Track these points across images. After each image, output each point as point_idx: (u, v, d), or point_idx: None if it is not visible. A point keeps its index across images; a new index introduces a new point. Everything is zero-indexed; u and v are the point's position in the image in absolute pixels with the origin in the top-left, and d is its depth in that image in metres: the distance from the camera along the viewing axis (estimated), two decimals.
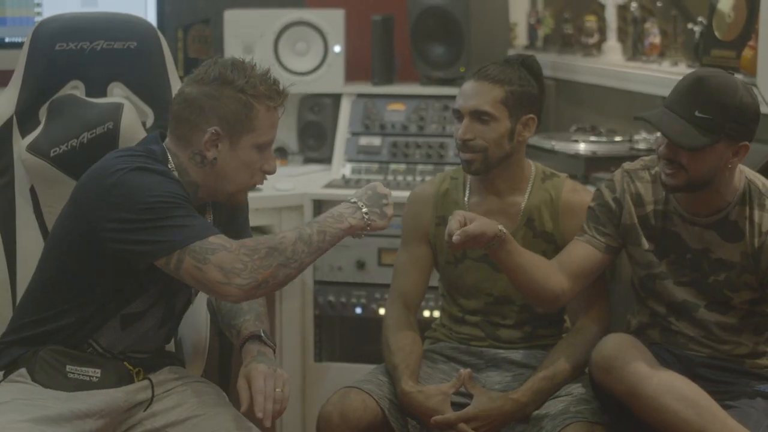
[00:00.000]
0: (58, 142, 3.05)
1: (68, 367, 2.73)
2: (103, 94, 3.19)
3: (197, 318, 3.22)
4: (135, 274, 2.68)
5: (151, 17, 4.44)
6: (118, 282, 2.73)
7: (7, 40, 4.27)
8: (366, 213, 2.81)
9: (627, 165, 3.15)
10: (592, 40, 4.59)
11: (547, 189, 3.26)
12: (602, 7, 4.53)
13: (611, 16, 4.48)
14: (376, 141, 4.46)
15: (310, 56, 4.63)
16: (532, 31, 5.00)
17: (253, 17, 4.62)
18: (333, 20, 4.61)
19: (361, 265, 4.14)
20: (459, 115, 3.21)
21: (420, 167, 4.37)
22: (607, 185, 3.14)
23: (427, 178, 4.14)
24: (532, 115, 3.21)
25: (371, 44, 4.65)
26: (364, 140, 4.48)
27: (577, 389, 3.09)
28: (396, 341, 3.23)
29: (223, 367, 3.29)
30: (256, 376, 2.78)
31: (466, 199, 3.29)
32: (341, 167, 4.44)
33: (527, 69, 3.23)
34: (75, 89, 3.17)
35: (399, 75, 4.76)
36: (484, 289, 3.28)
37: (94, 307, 2.75)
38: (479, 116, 3.16)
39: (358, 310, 4.18)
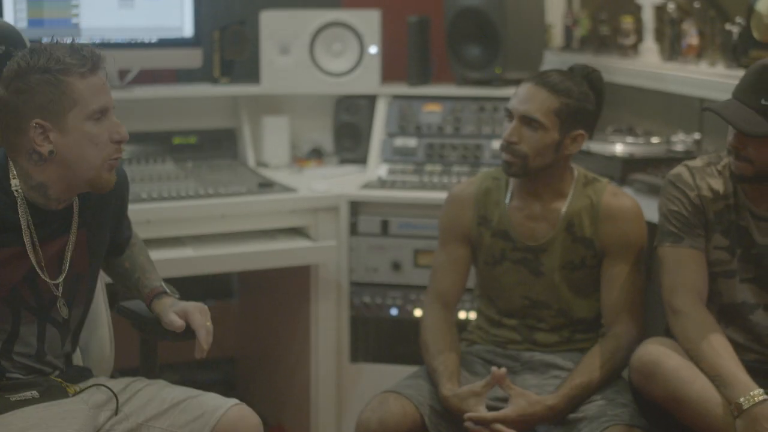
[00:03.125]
0: None
1: (6, 395, 2.68)
2: None
3: (99, 326, 3.12)
4: None
5: (188, 19, 4.47)
6: None
7: (45, 41, 4.27)
8: None
9: (689, 163, 3.10)
10: (629, 41, 4.57)
11: (588, 194, 3.24)
12: (639, 7, 4.51)
13: (648, 17, 4.46)
14: (412, 142, 4.46)
15: (345, 57, 4.62)
16: (568, 32, 4.97)
17: (289, 18, 4.62)
18: (369, 21, 4.60)
19: (396, 266, 4.14)
20: (510, 115, 3.19)
21: (456, 168, 4.36)
22: (681, 185, 3.06)
23: (463, 179, 4.12)
24: (582, 131, 3.19)
25: (407, 45, 4.64)
26: (399, 141, 4.47)
27: (613, 392, 3.09)
28: (435, 344, 3.23)
29: (148, 359, 3.26)
30: (193, 312, 2.84)
31: (507, 201, 3.28)
32: (377, 168, 4.44)
33: (590, 83, 3.20)
34: None
35: (435, 76, 4.75)
36: (521, 292, 3.28)
37: None
38: (529, 122, 3.14)
39: (394, 312, 4.18)
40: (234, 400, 2.83)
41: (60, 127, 2.58)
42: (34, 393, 2.72)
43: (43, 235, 2.70)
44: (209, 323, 2.85)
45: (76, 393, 2.79)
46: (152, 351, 3.13)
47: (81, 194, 2.75)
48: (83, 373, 2.91)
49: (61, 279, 2.75)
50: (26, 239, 2.67)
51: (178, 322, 2.83)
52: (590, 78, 3.22)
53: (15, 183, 2.64)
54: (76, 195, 2.73)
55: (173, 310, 2.86)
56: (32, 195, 2.66)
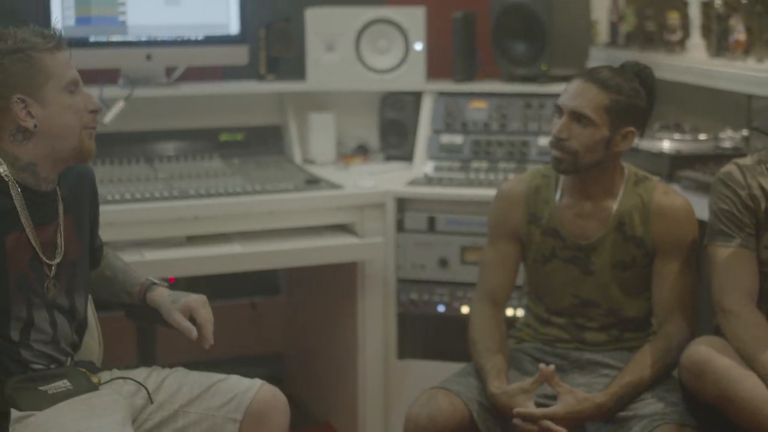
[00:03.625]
0: None
1: (41, 388, 2.72)
2: None
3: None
4: None
5: (234, 16, 4.49)
6: None
7: (92, 39, 4.32)
8: None
9: (739, 161, 3.08)
10: (675, 37, 4.54)
11: (638, 193, 3.23)
12: (685, 3, 4.48)
13: (695, 13, 4.43)
14: (458, 139, 4.46)
15: (391, 54, 4.63)
16: (613, 28, 4.96)
17: (335, 15, 4.63)
18: (414, 18, 4.61)
19: (443, 263, 4.14)
20: (559, 111, 3.18)
21: (502, 165, 4.35)
22: (732, 183, 3.04)
23: (510, 176, 4.12)
24: (633, 129, 3.17)
25: (453, 42, 4.64)
26: (445, 138, 4.47)
27: (663, 391, 3.08)
28: (483, 342, 3.23)
29: (145, 347, 3.27)
30: (197, 307, 2.93)
31: (557, 199, 3.28)
32: (423, 165, 4.44)
33: (641, 81, 3.19)
34: None
35: (480, 73, 4.74)
36: (570, 290, 3.27)
37: None
38: (578, 118, 3.13)
39: (441, 308, 4.18)
40: (259, 380, 2.93)
41: (40, 99, 2.69)
42: (66, 383, 2.76)
43: (37, 219, 2.77)
44: (211, 314, 2.94)
45: (99, 383, 2.84)
46: (150, 339, 3.16)
47: (60, 178, 2.83)
48: (92, 366, 2.95)
49: (56, 261, 2.80)
50: (24, 222, 2.73)
51: (190, 330, 2.89)
52: (641, 75, 3.21)
53: (2, 168, 2.71)
54: (62, 169, 2.81)
55: (177, 308, 2.93)
56: (22, 176, 2.73)
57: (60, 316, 2.83)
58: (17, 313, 2.73)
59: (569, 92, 3.17)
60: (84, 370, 2.84)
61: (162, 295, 2.99)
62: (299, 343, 4.88)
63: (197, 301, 2.95)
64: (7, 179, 2.70)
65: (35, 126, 2.69)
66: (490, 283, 3.34)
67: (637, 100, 3.16)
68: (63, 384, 2.75)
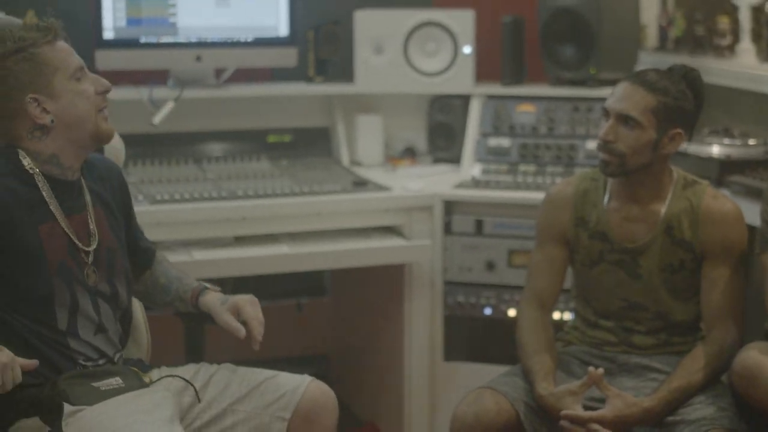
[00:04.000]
0: None
1: (94, 384, 2.72)
2: None
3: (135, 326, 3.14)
4: (18, 288, 2.69)
5: (283, 18, 4.51)
6: (21, 302, 2.71)
7: (142, 40, 4.36)
8: None
9: None
10: (725, 42, 4.52)
11: (687, 197, 3.22)
12: (735, 7, 4.46)
13: (745, 17, 4.41)
14: (506, 142, 4.46)
15: (439, 57, 4.64)
16: (662, 32, 4.94)
17: (383, 18, 4.64)
18: (463, 21, 4.61)
19: (490, 266, 4.14)
20: (606, 114, 3.18)
21: (550, 169, 4.35)
22: None
23: (557, 179, 4.12)
24: (680, 131, 3.16)
25: (501, 45, 4.64)
26: (493, 141, 4.47)
27: (712, 396, 3.06)
28: (531, 344, 3.23)
29: (194, 345, 3.28)
30: (244, 306, 2.94)
31: (605, 202, 3.27)
32: (471, 168, 4.44)
33: (688, 83, 3.18)
34: None
35: (528, 76, 4.74)
36: (619, 293, 3.26)
37: (37, 336, 2.72)
38: (625, 120, 3.13)
39: (487, 311, 4.18)
40: (308, 377, 2.93)
41: (51, 94, 2.72)
42: (118, 380, 2.77)
43: (67, 209, 2.79)
44: (260, 314, 2.95)
45: (151, 382, 2.85)
46: (198, 339, 3.18)
47: (86, 174, 2.86)
48: (142, 365, 2.96)
49: (93, 247, 2.82)
50: (55, 211, 2.76)
51: (239, 329, 2.91)
52: (688, 77, 3.20)
53: (27, 162, 2.74)
54: (85, 156, 2.83)
55: (226, 308, 2.95)
56: (46, 168, 2.76)
57: (104, 304, 2.85)
58: (61, 300, 2.75)
59: (616, 95, 3.17)
60: (135, 369, 2.86)
61: (213, 298, 3.01)
62: (344, 344, 4.90)
63: (245, 299, 2.96)
64: (32, 171, 2.74)
65: (52, 121, 2.72)
66: (538, 286, 3.34)
67: (684, 102, 3.16)
68: (115, 381, 2.76)
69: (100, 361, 2.82)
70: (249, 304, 2.95)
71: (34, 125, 2.72)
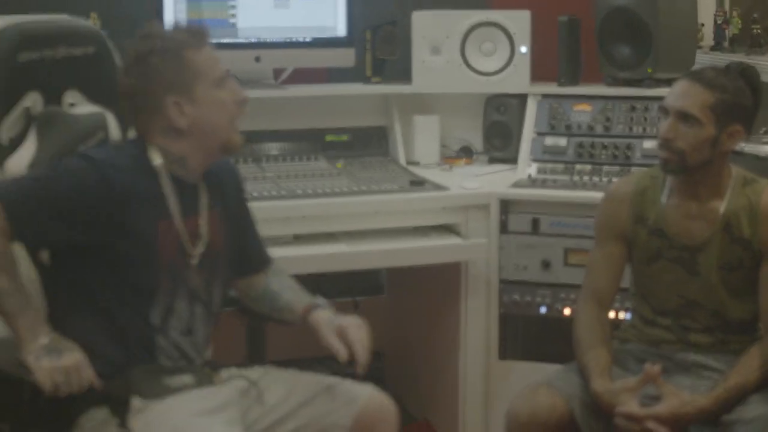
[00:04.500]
0: (60, 158, 2.87)
1: (164, 380, 2.77)
2: (58, 103, 3.03)
3: None
4: (124, 277, 2.74)
5: (341, 19, 4.55)
6: (123, 291, 2.76)
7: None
8: (38, 350, 2.57)
9: None
10: None
11: (747, 194, 3.22)
12: None
13: None
14: (562, 141, 4.47)
15: (496, 56, 4.65)
16: (719, 31, 4.94)
17: (440, 18, 4.67)
18: (519, 21, 4.63)
19: (546, 264, 4.16)
20: (665, 112, 3.19)
21: (606, 168, 4.35)
22: None
23: (614, 179, 4.13)
24: (739, 127, 3.16)
25: (558, 45, 4.65)
26: (549, 140, 4.48)
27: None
28: (587, 340, 3.24)
29: (255, 344, 3.30)
30: (350, 327, 2.91)
31: (664, 199, 3.28)
32: (527, 167, 4.45)
33: (746, 79, 3.18)
34: (32, 102, 2.96)
35: (584, 76, 4.74)
36: (676, 290, 3.27)
37: (126, 325, 2.77)
38: (684, 117, 3.13)
39: (543, 310, 4.19)
40: (370, 387, 2.94)
41: (192, 99, 2.75)
42: (190, 378, 2.82)
43: (184, 209, 2.84)
44: (366, 338, 2.92)
45: (221, 382, 2.89)
46: (260, 338, 3.20)
47: (205, 176, 2.89)
48: (214, 364, 2.99)
49: (199, 251, 2.86)
50: (173, 210, 2.81)
51: (340, 352, 2.88)
52: (746, 74, 3.20)
53: (156, 158, 2.78)
54: (210, 162, 2.86)
55: (332, 329, 2.92)
56: (173, 167, 2.81)
57: (198, 307, 2.90)
58: (162, 297, 2.80)
59: (674, 93, 3.18)
60: (209, 370, 2.90)
61: (323, 317, 2.98)
62: (400, 342, 4.93)
63: (350, 322, 2.94)
64: (158, 169, 2.78)
65: (188, 125, 2.76)
66: (596, 283, 3.36)
67: (743, 98, 3.16)
68: (187, 378, 2.81)
69: (180, 363, 2.86)
70: (354, 327, 2.93)
71: (170, 125, 2.76)
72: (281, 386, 2.93)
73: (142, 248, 2.76)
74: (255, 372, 2.98)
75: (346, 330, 2.90)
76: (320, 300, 3.06)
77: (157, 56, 2.72)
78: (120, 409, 2.71)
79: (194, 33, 2.78)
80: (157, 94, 2.73)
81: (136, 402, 2.71)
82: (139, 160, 2.78)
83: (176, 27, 2.80)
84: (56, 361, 2.54)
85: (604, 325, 3.30)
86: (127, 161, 2.77)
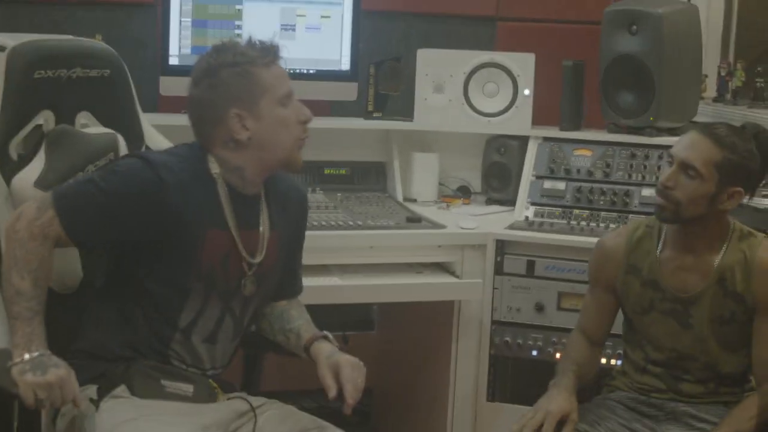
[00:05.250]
0: (67, 176, 2.93)
1: (163, 382, 2.79)
2: (72, 124, 3.06)
3: None
4: (161, 274, 2.78)
5: (346, 53, 4.56)
6: (157, 286, 2.80)
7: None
8: (25, 363, 2.58)
9: None
10: None
11: (742, 249, 3.20)
12: None
13: None
14: (561, 185, 4.46)
15: (499, 98, 4.65)
16: (722, 83, 4.95)
17: (445, 57, 4.67)
18: (524, 63, 4.63)
19: (540, 308, 4.14)
20: (671, 159, 3.18)
21: (603, 214, 4.34)
22: None
23: (611, 225, 4.13)
24: (741, 189, 3.14)
25: (562, 89, 4.65)
26: (548, 184, 4.48)
27: None
28: (575, 352, 3.36)
29: (251, 372, 3.29)
30: (345, 366, 2.90)
31: (658, 251, 3.27)
32: (524, 209, 4.45)
33: (758, 143, 3.14)
34: (45, 120, 3.01)
35: (586, 121, 4.75)
36: (669, 342, 3.26)
37: (150, 319, 2.81)
38: (687, 169, 3.12)
39: (534, 353, 4.17)
40: None
41: (255, 114, 2.80)
42: (189, 388, 2.83)
43: (242, 222, 2.87)
44: (361, 380, 2.90)
45: (222, 400, 2.89)
46: (257, 367, 3.20)
47: (270, 195, 2.95)
48: (231, 387, 3.01)
49: (258, 260, 2.90)
50: (229, 219, 2.84)
51: (330, 389, 2.88)
52: (760, 137, 3.16)
53: (214, 167, 2.83)
54: (267, 175, 2.91)
55: (328, 364, 2.93)
56: (229, 177, 2.85)
57: (228, 320, 2.92)
58: (193, 302, 2.84)
59: (683, 143, 3.16)
60: (215, 385, 2.90)
61: (323, 349, 2.99)
62: (389, 378, 4.90)
63: (347, 361, 2.93)
64: (216, 178, 2.82)
65: (249, 138, 2.80)
66: (588, 324, 3.42)
67: (751, 162, 3.13)
68: (185, 387, 2.83)
69: (191, 369, 2.88)
70: (350, 366, 2.92)
71: (231, 137, 2.80)
72: (274, 418, 2.92)
73: (184, 253, 2.80)
74: (258, 400, 2.97)
75: (341, 369, 2.89)
76: (327, 333, 3.06)
77: (226, 69, 2.78)
78: (103, 391, 2.74)
79: (266, 50, 2.83)
80: (221, 106, 2.79)
81: (119, 390, 2.74)
82: (197, 167, 2.83)
83: (249, 43, 2.84)
84: (39, 377, 2.55)
85: (594, 353, 3.38)
86: (184, 166, 2.82)
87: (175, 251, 2.79)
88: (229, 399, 2.91)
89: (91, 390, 2.75)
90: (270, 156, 2.84)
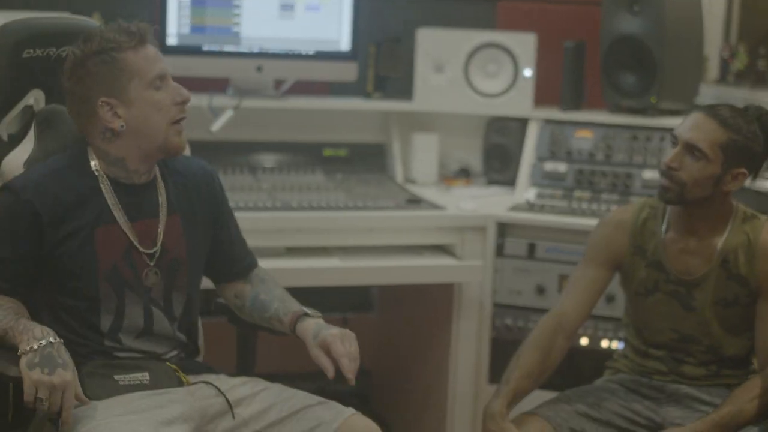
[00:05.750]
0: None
1: (116, 377, 2.73)
2: (62, 103, 2.95)
3: None
4: (68, 285, 2.74)
5: (346, 33, 4.52)
6: (68, 298, 2.76)
7: (205, 48, 4.38)
8: (35, 353, 2.53)
9: None
10: None
11: (745, 231, 3.18)
12: None
13: None
14: (562, 167, 4.44)
15: (500, 78, 4.63)
16: (724, 65, 4.92)
17: (445, 37, 4.65)
18: (525, 44, 4.61)
19: (541, 290, 4.13)
20: (674, 140, 3.15)
21: (605, 196, 4.33)
22: None
23: (612, 207, 4.10)
24: (745, 170, 3.11)
25: (562, 70, 4.63)
26: (549, 166, 4.46)
27: (764, 430, 3.03)
28: (524, 359, 3.22)
29: (245, 353, 3.26)
30: (333, 341, 2.81)
31: (663, 232, 3.24)
32: (525, 191, 4.43)
33: (761, 125, 3.12)
34: (35, 99, 2.99)
35: (587, 102, 4.73)
36: (671, 324, 3.24)
37: (73, 329, 2.76)
38: (692, 150, 3.09)
39: None
40: (351, 410, 2.84)
41: (125, 100, 2.72)
42: (146, 376, 2.78)
43: (134, 213, 2.81)
44: (354, 348, 2.84)
45: (187, 384, 2.83)
46: (251, 348, 3.17)
47: (168, 179, 2.88)
48: (204, 369, 2.95)
49: (153, 251, 2.83)
50: (117, 215, 2.78)
51: (327, 368, 2.81)
52: (763, 119, 3.14)
53: (94, 163, 2.78)
54: (151, 162, 2.83)
55: (317, 344, 2.85)
56: (113, 171, 2.79)
57: (157, 312, 2.86)
58: (107, 304, 2.78)
59: (687, 124, 3.14)
60: (174, 367, 2.85)
61: (308, 328, 2.91)
62: (389, 361, 4.89)
63: (335, 335, 2.84)
64: (96, 173, 2.77)
65: (122, 126, 2.73)
66: (565, 305, 3.31)
67: (754, 143, 3.11)
68: (141, 376, 2.77)
69: (142, 357, 2.82)
70: (339, 340, 2.83)
71: (105, 127, 2.74)
72: (262, 400, 2.85)
73: (78, 259, 2.74)
74: (234, 381, 2.91)
75: (331, 345, 2.81)
76: (307, 309, 2.99)
77: (92, 59, 2.70)
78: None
79: (131, 33, 2.73)
80: (90, 96, 2.72)
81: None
82: (77, 166, 2.78)
83: (114, 28, 2.74)
84: (46, 376, 2.49)
85: (550, 350, 3.24)
86: (60, 173, 2.76)
87: (71, 260, 2.74)
88: (194, 384, 2.84)
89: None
90: (146, 143, 2.76)
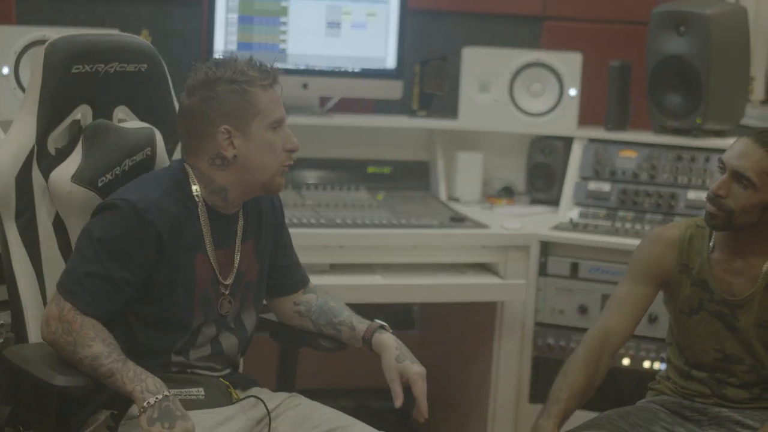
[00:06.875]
0: (104, 171, 2.92)
1: (172, 391, 2.71)
2: (109, 118, 3.05)
3: None
4: (165, 313, 2.78)
5: (392, 51, 4.55)
6: (158, 323, 2.79)
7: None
8: (153, 408, 2.57)
9: None
10: None
11: None
12: None
13: None
14: (606, 187, 4.44)
15: (544, 98, 4.64)
16: None
17: (491, 56, 4.66)
18: (570, 63, 4.61)
19: (583, 309, 4.12)
20: (722, 167, 3.13)
21: (648, 216, 4.32)
22: None
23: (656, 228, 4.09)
24: None
25: (608, 90, 4.63)
26: (593, 185, 4.46)
27: None
28: (573, 377, 3.15)
29: (286, 367, 3.27)
30: (417, 380, 2.94)
31: (708, 251, 3.22)
32: (569, 210, 4.43)
33: None
34: (82, 114, 3.00)
35: (632, 122, 4.72)
36: (714, 344, 3.22)
37: (150, 337, 2.80)
38: (740, 178, 3.06)
39: None
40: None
41: (244, 133, 2.76)
42: (201, 391, 2.81)
43: (218, 242, 2.85)
44: (425, 389, 2.95)
45: (238, 399, 2.88)
46: (292, 362, 3.19)
47: (244, 210, 2.92)
48: (249, 382, 3.00)
49: (230, 281, 2.88)
50: (207, 243, 2.83)
51: (398, 397, 2.92)
52: None
53: (195, 188, 2.81)
54: (249, 197, 2.88)
55: (397, 368, 2.95)
56: (212, 199, 2.83)
57: (226, 336, 2.92)
58: (193, 328, 2.84)
59: (735, 150, 3.10)
60: (226, 382, 2.89)
61: (389, 343, 3.01)
62: (429, 378, 4.86)
63: (418, 374, 2.96)
64: (197, 200, 2.80)
65: (234, 156, 2.77)
66: (611, 322, 3.25)
67: None
68: (196, 391, 2.81)
69: (197, 372, 2.87)
70: (422, 380, 2.95)
71: (217, 153, 2.77)
72: (296, 416, 2.91)
73: (180, 285, 2.79)
74: (279, 396, 2.96)
75: (414, 383, 2.93)
76: (383, 323, 3.06)
77: (223, 84, 2.75)
78: (118, 416, 2.73)
79: (265, 72, 2.80)
80: (212, 119, 2.75)
81: (132, 410, 2.71)
82: (180, 192, 2.80)
83: (249, 63, 2.80)
84: (167, 430, 2.53)
85: (596, 369, 3.18)
86: (170, 196, 2.79)
87: (173, 287, 2.77)
88: (245, 398, 2.89)
89: (105, 416, 2.74)
90: (252, 178, 2.80)
